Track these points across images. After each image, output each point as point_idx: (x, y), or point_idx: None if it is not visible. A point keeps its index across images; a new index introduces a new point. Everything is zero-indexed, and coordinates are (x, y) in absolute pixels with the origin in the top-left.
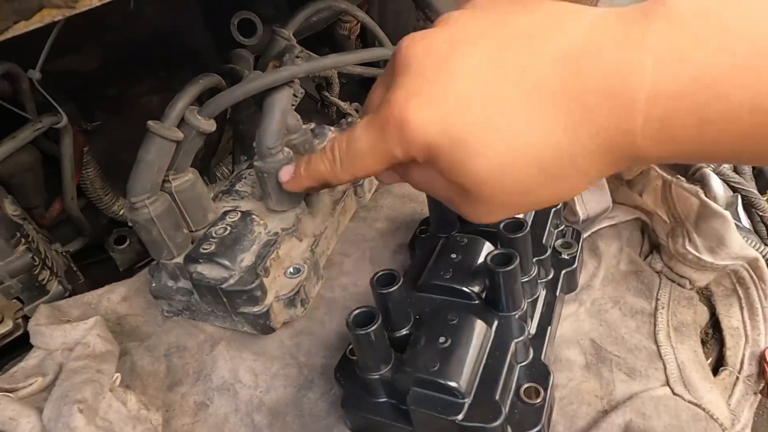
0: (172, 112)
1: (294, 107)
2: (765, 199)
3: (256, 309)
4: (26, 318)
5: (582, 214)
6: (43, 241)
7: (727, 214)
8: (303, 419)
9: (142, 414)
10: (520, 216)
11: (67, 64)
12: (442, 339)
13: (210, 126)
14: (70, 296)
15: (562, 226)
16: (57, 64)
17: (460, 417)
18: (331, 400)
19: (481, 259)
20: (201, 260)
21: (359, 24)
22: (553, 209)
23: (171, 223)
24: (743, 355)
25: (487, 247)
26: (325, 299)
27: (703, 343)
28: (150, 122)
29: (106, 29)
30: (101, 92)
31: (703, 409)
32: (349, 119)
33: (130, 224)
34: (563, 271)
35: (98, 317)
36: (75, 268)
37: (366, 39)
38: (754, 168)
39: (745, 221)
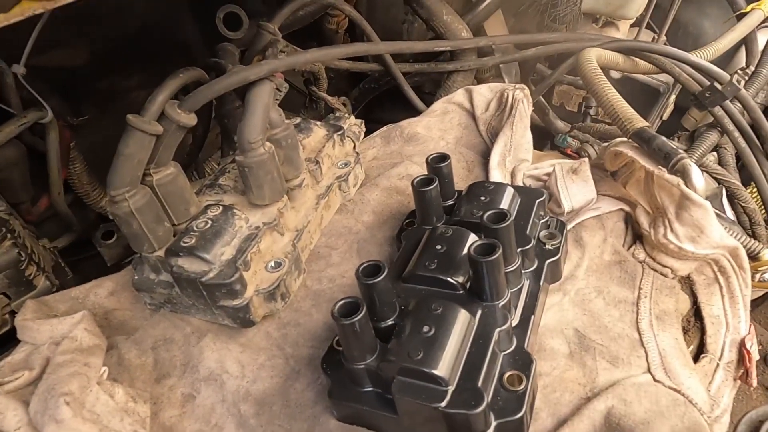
0: (151, 106)
1: (278, 102)
2: (748, 191)
3: (235, 302)
4: (13, 313)
5: (566, 206)
6: (29, 237)
7: (707, 203)
8: (290, 409)
9: (129, 406)
10: (504, 207)
11: (53, 59)
12: (426, 328)
13: (190, 120)
14: (57, 291)
15: (547, 218)
16: (43, 59)
17: (443, 404)
18: (318, 389)
19: (465, 250)
20: (181, 254)
21: (347, 18)
22: (537, 200)
23: (152, 216)
24: (724, 342)
25: (472, 239)
26: (312, 291)
27: (685, 331)
28: (129, 116)
29: (93, 24)
30: (89, 87)
31: (683, 395)
32: (337, 114)
33: (110, 217)
34: (547, 262)
35: (85, 311)
36: (63, 264)
37: (354, 34)
38: (737, 160)
39: (729, 213)
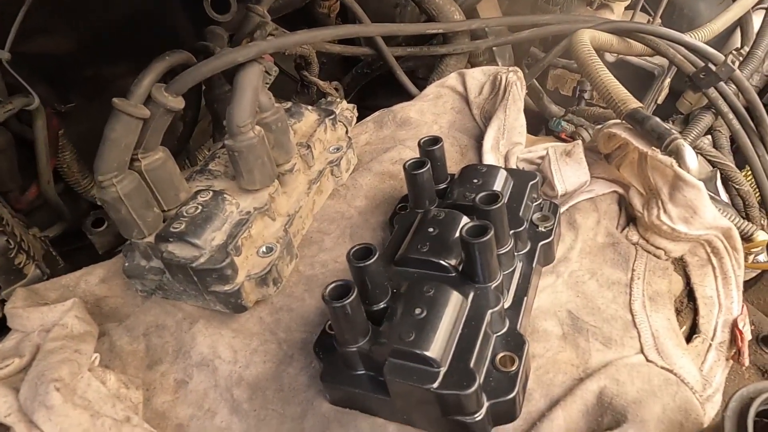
0: (137, 89)
1: (268, 86)
2: (742, 174)
3: (227, 288)
4: (3, 302)
5: (560, 189)
6: (19, 225)
7: (701, 184)
8: (283, 393)
9: (122, 392)
10: (497, 189)
11: (40, 46)
12: (418, 310)
13: (178, 103)
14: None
15: (540, 200)
16: (30, 45)
17: (435, 385)
18: (311, 374)
19: (458, 233)
20: (171, 239)
21: (339, 2)
22: (530, 183)
23: (140, 202)
24: (716, 322)
25: (464, 221)
26: (304, 276)
27: (678, 312)
28: (115, 99)
29: (80, 10)
30: (76, 74)
31: (675, 375)
32: (329, 98)
33: (99, 203)
34: (540, 244)
35: (76, 299)
36: (54, 253)
37: (346, 18)
38: (732, 143)
39: (723, 195)
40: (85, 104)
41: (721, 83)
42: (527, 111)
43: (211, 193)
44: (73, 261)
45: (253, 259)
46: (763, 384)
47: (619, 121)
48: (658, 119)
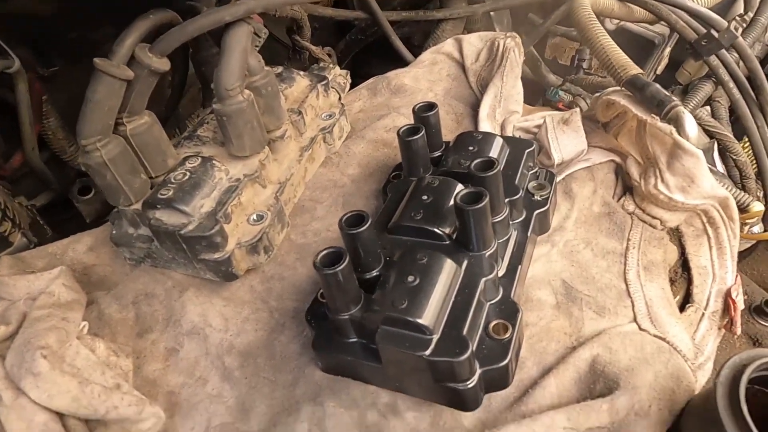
0: (120, 49)
1: (257, 49)
2: (741, 145)
3: (217, 255)
4: None
5: (557, 158)
6: (4, 193)
7: (699, 152)
8: (274, 361)
9: (111, 360)
10: (493, 156)
11: (21, 7)
12: (410, 278)
13: (162, 65)
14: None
15: (536, 169)
16: (9, 6)
17: (427, 352)
18: (303, 342)
19: (452, 201)
20: (159, 206)
21: None
22: (527, 151)
23: (126, 167)
24: (710, 292)
25: (459, 189)
26: (296, 245)
27: (672, 281)
28: (96, 59)
29: None
30: (59, 37)
31: (668, 343)
32: (321, 64)
33: (83, 169)
34: (535, 213)
35: (63, 267)
36: (42, 222)
37: None
38: (731, 114)
39: (720, 166)
40: (69, 68)
41: (723, 51)
42: (525, 81)
43: (200, 159)
44: (63, 231)
45: (244, 226)
46: (756, 351)
47: (618, 88)
48: (658, 86)
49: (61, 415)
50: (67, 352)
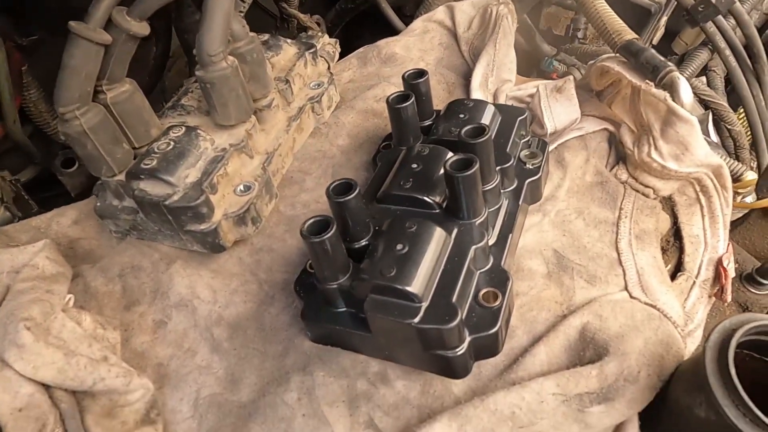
0: (96, 12)
1: (242, 14)
2: (736, 116)
3: (203, 226)
4: None
5: (549, 127)
6: None
7: (694, 119)
8: (264, 332)
9: (98, 333)
10: (484, 122)
11: None
12: (399, 246)
13: (142, 29)
14: None
15: (528, 137)
16: None
17: (416, 320)
18: (293, 313)
19: (442, 169)
20: (143, 176)
21: None
22: (519, 119)
23: (108, 137)
24: (701, 261)
25: (449, 156)
26: (285, 216)
27: (664, 251)
28: (71, 23)
29: None
30: (39, 4)
31: (658, 310)
32: (310, 32)
33: (63, 138)
34: (527, 181)
35: (47, 240)
36: (27, 197)
37: None
38: (726, 84)
39: (714, 137)
40: (50, 38)
41: (720, 18)
42: (519, 51)
43: (184, 128)
44: (51, 207)
45: (230, 197)
46: (746, 316)
47: (613, 54)
48: (653, 51)
49: (47, 387)
50: (53, 324)
